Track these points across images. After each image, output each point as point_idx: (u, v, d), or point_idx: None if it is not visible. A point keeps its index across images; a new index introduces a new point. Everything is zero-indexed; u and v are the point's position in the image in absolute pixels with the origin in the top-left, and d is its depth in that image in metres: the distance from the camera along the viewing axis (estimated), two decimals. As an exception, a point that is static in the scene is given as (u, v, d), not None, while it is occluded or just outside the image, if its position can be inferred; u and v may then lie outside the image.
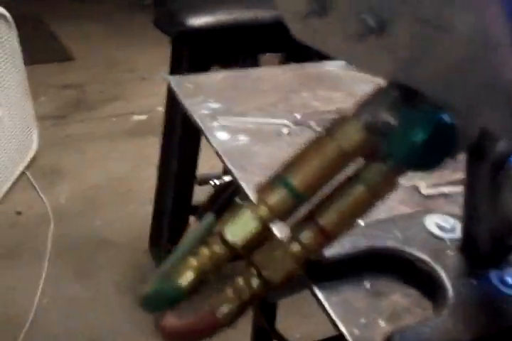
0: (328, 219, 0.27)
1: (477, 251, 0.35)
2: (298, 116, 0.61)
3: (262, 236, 0.26)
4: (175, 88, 0.66)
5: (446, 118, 0.23)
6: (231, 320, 0.27)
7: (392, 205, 0.45)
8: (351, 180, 0.28)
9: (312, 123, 0.59)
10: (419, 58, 0.21)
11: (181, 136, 1.19)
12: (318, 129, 0.57)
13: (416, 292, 0.36)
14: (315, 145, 0.26)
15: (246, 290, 0.27)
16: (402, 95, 0.25)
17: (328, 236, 0.27)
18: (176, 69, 1.39)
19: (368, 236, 0.38)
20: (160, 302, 0.26)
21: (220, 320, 0.26)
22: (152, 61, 2.59)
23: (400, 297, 0.35)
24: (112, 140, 2.05)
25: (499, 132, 0.21)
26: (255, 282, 0.27)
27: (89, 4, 3.40)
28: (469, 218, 0.35)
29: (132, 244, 1.51)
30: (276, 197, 0.25)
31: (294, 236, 0.27)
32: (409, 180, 0.48)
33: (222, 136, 0.55)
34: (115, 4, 3.40)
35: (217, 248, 0.25)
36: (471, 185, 0.33)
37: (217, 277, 0.27)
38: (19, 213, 1.62)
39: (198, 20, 1.19)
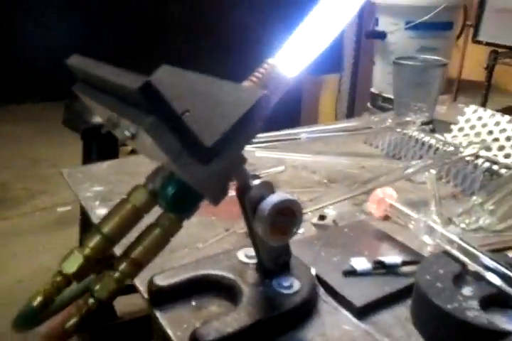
0: (137, 253, 0.42)
1: (264, 267, 0.51)
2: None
3: (89, 268, 0.40)
4: (67, 178, 0.81)
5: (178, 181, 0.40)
6: (76, 328, 0.40)
7: (225, 246, 0.60)
8: (152, 226, 0.43)
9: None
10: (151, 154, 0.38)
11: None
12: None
13: (228, 302, 0.50)
14: (118, 205, 0.42)
15: (84, 307, 0.40)
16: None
17: (138, 265, 0.42)
18: (87, 160, 1.55)
19: (196, 269, 0.52)
20: (21, 320, 0.38)
21: (69, 329, 0.39)
22: (75, 156, 2.74)
23: (216, 307, 0.50)
24: (37, 233, 2.09)
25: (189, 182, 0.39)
26: (90, 301, 0.40)
27: (16, 107, 3.56)
28: (255, 246, 0.51)
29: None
30: (94, 241, 0.40)
31: (115, 267, 0.41)
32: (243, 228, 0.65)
33: (102, 211, 0.70)
34: (39, 106, 3.58)
35: (57, 278, 0.39)
36: (247, 222, 0.49)
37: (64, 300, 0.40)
38: None
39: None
